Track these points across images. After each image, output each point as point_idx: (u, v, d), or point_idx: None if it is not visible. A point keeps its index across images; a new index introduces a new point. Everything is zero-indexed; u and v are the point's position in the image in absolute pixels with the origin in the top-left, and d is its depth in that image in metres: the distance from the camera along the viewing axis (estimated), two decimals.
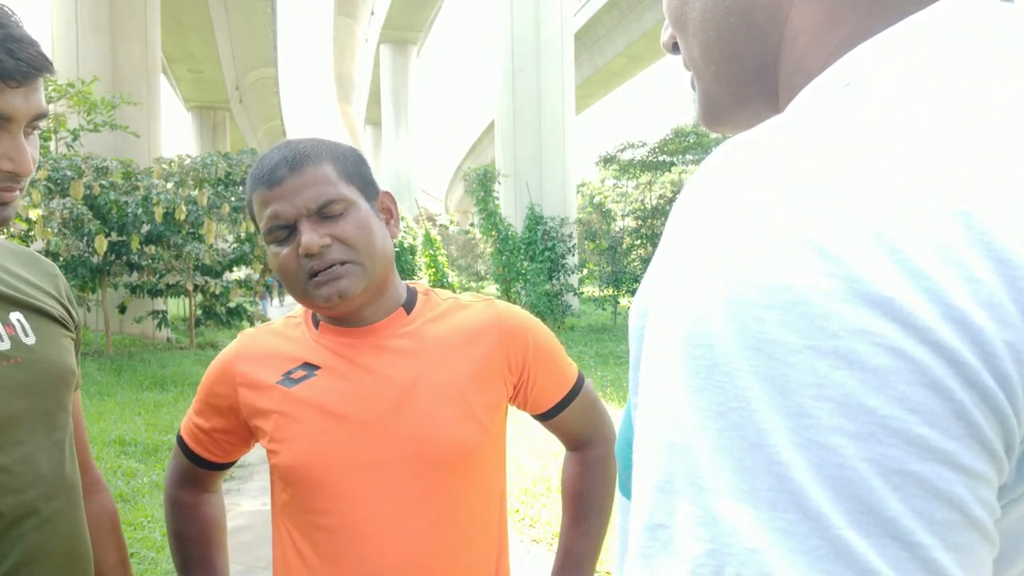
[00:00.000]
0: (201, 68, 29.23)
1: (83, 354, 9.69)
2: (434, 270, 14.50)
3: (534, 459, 4.77)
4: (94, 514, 1.07)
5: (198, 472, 1.11)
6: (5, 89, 0.79)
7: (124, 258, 10.02)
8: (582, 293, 16.46)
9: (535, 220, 12.78)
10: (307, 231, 0.92)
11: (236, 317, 11.60)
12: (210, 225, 10.09)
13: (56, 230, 9.13)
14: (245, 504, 4.28)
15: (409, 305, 1.05)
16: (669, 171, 14.89)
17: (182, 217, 9.62)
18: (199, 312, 11.60)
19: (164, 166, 10.47)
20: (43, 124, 0.88)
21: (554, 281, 12.66)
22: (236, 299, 11.75)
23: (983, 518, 0.28)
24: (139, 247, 9.86)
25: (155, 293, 10.63)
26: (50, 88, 9.20)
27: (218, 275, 11.06)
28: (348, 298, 0.94)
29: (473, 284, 22.21)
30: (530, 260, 12.69)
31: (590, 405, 1.14)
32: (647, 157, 14.38)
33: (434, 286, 1.06)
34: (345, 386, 0.97)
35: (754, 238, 0.30)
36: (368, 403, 0.96)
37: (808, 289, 0.28)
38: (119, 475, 4.65)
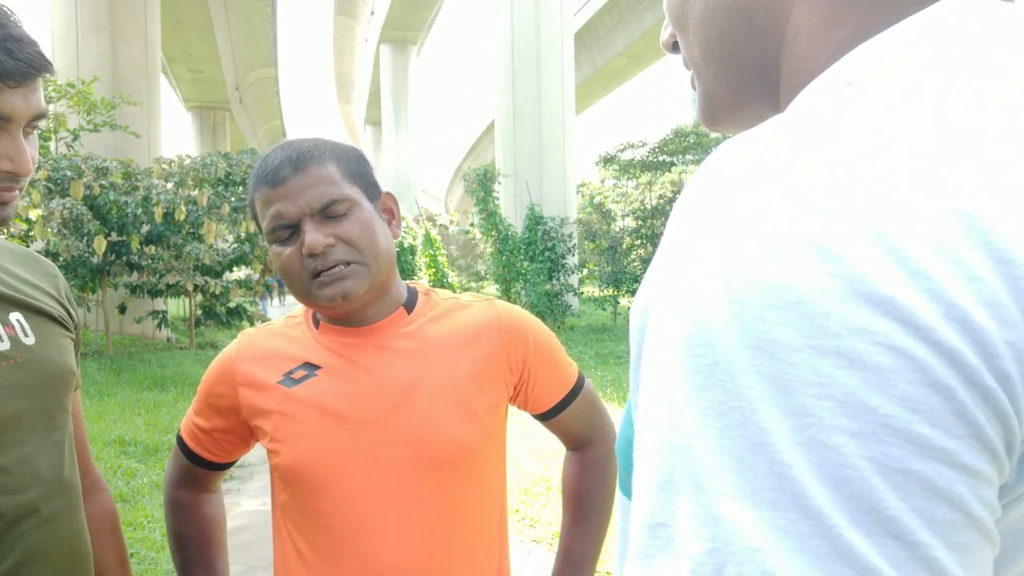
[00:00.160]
0: (201, 68, 29.23)
1: (83, 354, 9.69)
2: (434, 270, 14.50)
3: (534, 459, 4.77)
4: (94, 514, 1.07)
5: (198, 472, 1.11)
6: (4, 89, 0.79)
7: (124, 258, 10.02)
8: (582, 293, 16.46)
9: (535, 220, 12.78)
10: (310, 231, 0.92)
11: (236, 317, 11.61)
12: (210, 225, 10.09)
13: (56, 230, 9.14)
14: (245, 504, 4.28)
15: (410, 305, 1.05)
16: (669, 171, 14.89)
17: (182, 217, 9.62)
18: (199, 312, 11.60)
19: (164, 166, 10.47)
20: (43, 124, 0.88)
21: (554, 281, 12.66)
22: (236, 299, 11.75)
23: (984, 517, 0.28)
24: (139, 247, 9.86)
25: (155, 293, 10.63)
26: (50, 88, 9.20)
27: (218, 275, 11.06)
28: (351, 298, 0.94)
29: (473, 284, 22.20)
30: (530, 260, 12.69)
31: (590, 405, 1.14)
32: (647, 157, 14.37)
33: (434, 286, 1.06)
34: (345, 386, 0.97)
35: (755, 238, 0.30)
36: (368, 403, 0.96)
37: (809, 288, 0.28)
38: (119, 475, 4.65)
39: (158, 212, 9.39)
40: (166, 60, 26.42)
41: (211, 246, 10.46)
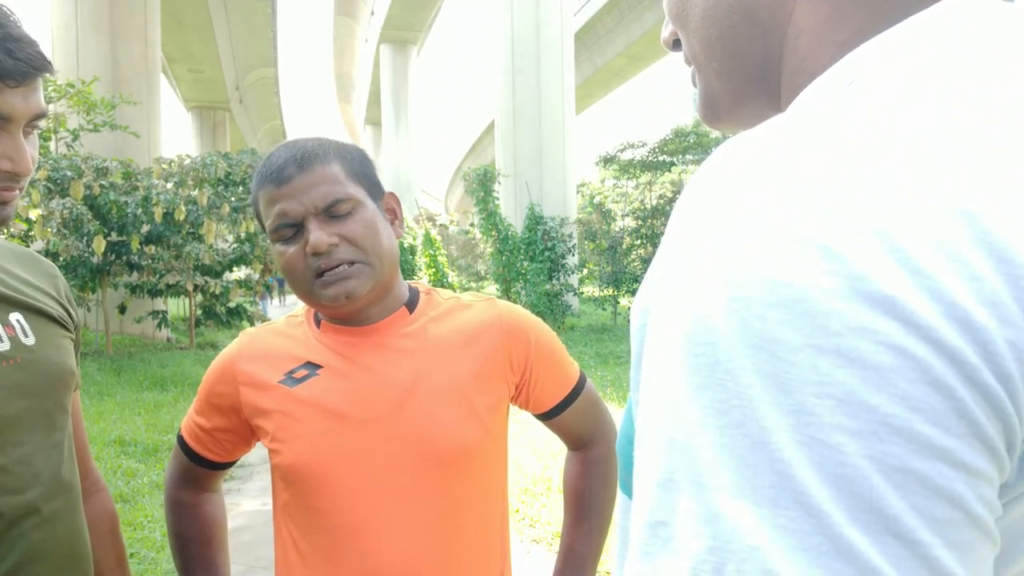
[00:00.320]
0: (201, 68, 29.23)
1: (83, 354, 9.69)
2: (434, 270, 14.50)
3: (534, 459, 4.77)
4: (93, 514, 1.07)
5: (199, 471, 1.11)
6: (4, 89, 0.79)
7: (124, 258, 10.02)
8: (582, 293, 16.46)
9: (535, 220, 12.78)
10: (315, 230, 0.92)
11: (236, 317, 11.61)
12: (210, 225, 10.09)
13: (56, 230, 9.13)
14: (245, 504, 4.28)
15: (412, 304, 1.05)
16: (669, 171, 14.89)
17: (182, 217, 9.62)
18: (199, 312, 11.60)
19: (164, 166, 10.47)
20: (43, 124, 0.88)
21: (554, 281, 12.66)
22: (236, 299, 11.76)
23: (984, 516, 0.28)
24: (139, 247, 9.86)
25: (155, 293, 10.63)
26: (50, 88, 9.20)
27: (218, 275, 11.06)
28: (355, 298, 0.94)
29: (473, 284, 22.21)
30: (530, 260, 12.69)
31: (592, 404, 1.14)
32: (647, 157, 14.37)
33: (434, 286, 1.06)
34: (347, 385, 0.97)
35: (756, 237, 0.30)
36: (370, 402, 0.96)
37: (810, 287, 0.29)
38: (119, 475, 4.65)
39: (158, 212, 9.39)
40: (166, 60, 26.42)
41: (211, 246, 10.46)
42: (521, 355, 1.04)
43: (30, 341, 0.91)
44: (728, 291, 0.30)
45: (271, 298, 24.33)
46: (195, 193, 10.07)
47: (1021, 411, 0.28)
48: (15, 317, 0.91)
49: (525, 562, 3.34)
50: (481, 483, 1.01)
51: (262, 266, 11.28)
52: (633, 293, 13.36)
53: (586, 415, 1.14)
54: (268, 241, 1.04)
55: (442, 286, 13.70)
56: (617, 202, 17.26)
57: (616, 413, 4.84)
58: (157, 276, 10.35)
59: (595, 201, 15.74)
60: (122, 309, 10.88)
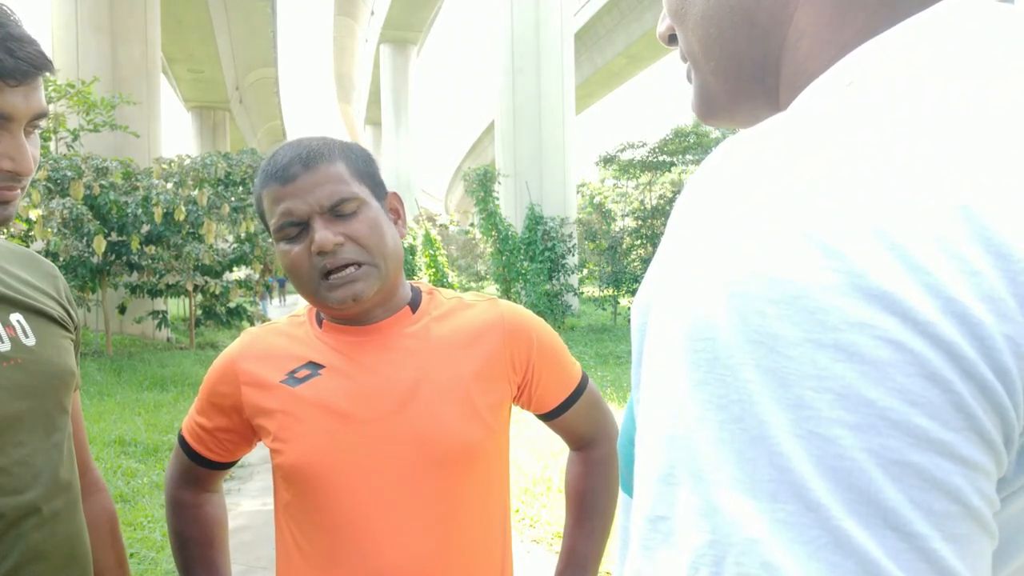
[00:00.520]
0: (201, 68, 29.22)
1: (83, 354, 9.68)
2: (434, 270, 14.50)
3: (534, 459, 4.77)
4: (93, 515, 1.07)
5: (200, 471, 1.10)
6: (5, 88, 0.79)
7: (124, 258, 10.02)
8: (582, 293, 16.47)
9: (535, 220, 12.79)
10: (320, 229, 0.92)
11: (236, 317, 11.61)
12: (210, 225, 10.09)
13: (56, 230, 9.13)
14: (245, 504, 4.28)
15: (414, 304, 1.05)
16: (669, 171, 14.89)
17: (182, 217, 9.62)
18: (199, 312, 11.61)
19: (164, 166, 10.47)
20: (43, 123, 0.88)
21: (554, 281, 12.66)
22: (236, 299, 11.75)
23: (982, 509, 0.28)
24: (139, 247, 9.86)
25: (155, 293, 10.63)
26: (50, 88, 9.19)
27: (218, 275, 11.06)
28: (362, 300, 0.94)
29: (473, 284, 22.21)
30: (530, 260, 12.69)
31: (594, 404, 1.14)
32: (647, 157, 14.37)
33: (435, 286, 1.06)
34: (349, 385, 0.97)
35: (756, 234, 0.31)
36: (372, 402, 0.96)
37: (809, 283, 0.29)
38: (119, 475, 4.65)
39: (158, 212, 9.39)
40: (166, 60, 26.41)
41: (211, 246, 10.46)
42: (523, 355, 1.04)
43: (30, 342, 0.91)
44: (728, 288, 0.30)
45: (271, 298, 24.32)
46: (195, 193, 10.07)
47: (1019, 405, 0.29)
48: (15, 318, 0.91)
49: (525, 562, 3.34)
50: (483, 483, 1.01)
51: (262, 266, 11.28)
52: (633, 293, 13.36)
53: (588, 415, 1.13)
54: (269, 241, 1.03)
55: (442, 286, 13.69)
56: (617, 202, 17.25)
57: (616, 413, 4.84)
58: (157, 276, 10.35)
59: (595, 201, 15.74)
60: (122, 309, 10.88)
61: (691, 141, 13.88)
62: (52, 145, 10.13)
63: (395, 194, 1.05)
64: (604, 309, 14.46)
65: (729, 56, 0.46)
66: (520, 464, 4.62)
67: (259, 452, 4.66)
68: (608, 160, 14.86)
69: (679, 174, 14.99)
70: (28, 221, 8.67)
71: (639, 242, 13.95)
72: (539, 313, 11.78)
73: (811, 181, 0.31)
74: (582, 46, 26.18)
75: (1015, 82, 0.33)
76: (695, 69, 0.50)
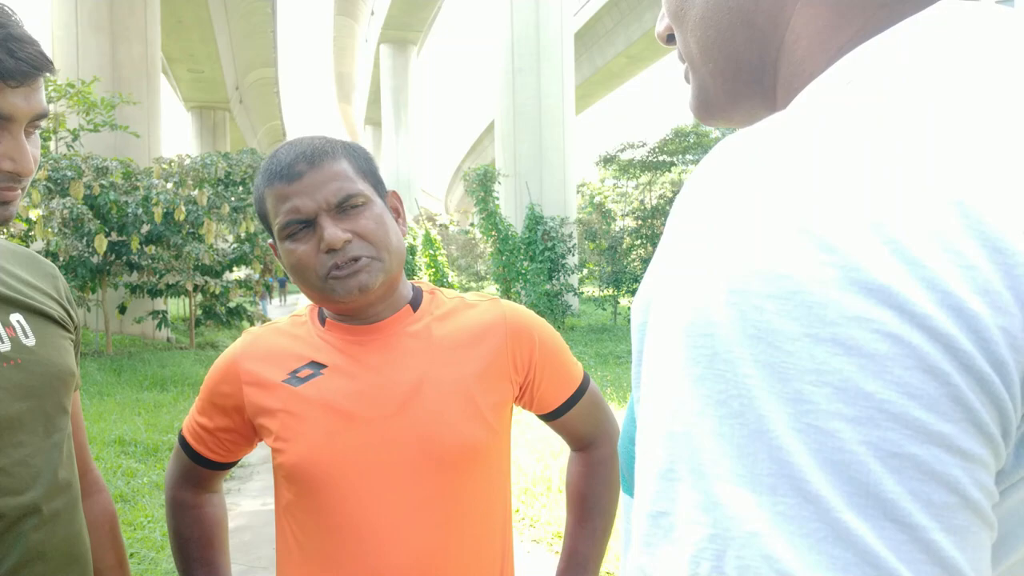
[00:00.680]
0: (201, 68, 29.22)
1: (83, 354, 9.68)
2: (434, 270, 14.51)
3: (534, 459, 4.77)
4: (93, 515, 1.07)
5: (200, 472, 1.10)
6: (5, 89, 0.79)
7: (124, 258, 10.02)
8: (582, 293, 16.46)
9: (535, 220, 12.79)
10: (329, 226, 0.92)
11: (236, 317, 11.61)
12: (210, 225, 10.09)
13: (56, 230, 9.13)
14: (245, 504, 4.27)
15: (415, 303, 1.05)
16: (669, 171, 14.90)
17: (182, 217, 9.62)
18: (199, 312, 11.60)
19: (164, 166, 10.47)
20: (44, 124, 0.88)
21: (554, 281, 12.66)
22: (236, 299, 11.75)
23: (981, 501, 0.28)
24: (139, 247, 9.86)
25: (155, 293, 10.63)
26: (50, 88, 9.19)
27: (218, 275, 11.06)
28: (368, 292, 0.94)
29: (473, 284, 22.21)
30: (530, 260, 12.69)
31: (595, 405, 1.14)
32: (647, 157, 14.38)
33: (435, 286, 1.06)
34: (352, 385, 0.97)
35: (753, 231, 0.31)
36: (375, 402, 0.96)
37: (807, 278, 0.29)
38: (119, 475, 4.65)
39: (158, 212, 9.39)
40: (166, 60, 26.41)
41: (211, 246, 10.46)
42: (525, 355, 1.04)
43: (30, 342, 0.91)
44: (726, 283, 0.31)
45: (271, 298, 24.31)
46: (195, 193, 10.07)
47: (1015, 397, 0.29)
48: (16, 318, 0.90)
49: (525, 562, 3.34)
50: (485, 483, 1.01)
51: (262, 266, 11.28)
52: (633, 293, 13.37)
53: (590, 416, 1.13)
54: (270, 240, 1.03)
55: (442, 286, 13.67)
56: (617, 202, 17.26)
57: (616, 413, 4.84)
58: (157, 276, 10.35)
59: (595, 201, 15.74)
60: (122, 309, 10.87)
61: (691, 141, 13.88)
62: (52, 145, 10.13)
63: (395, 193, 1.06)
64: (604, 309, 14.47)
65: (727, 57, 0.47)
66: (520, 464, 4.62)
67: (259, 452, 4.67)
68: (608, 160, 14.86)
69: (679, 174, 15.00)
70: (28, 221, 8.67)
71: (639, 242, 13.95)
72: (539, 313, 11.78)
73: (807, 178, 0.31)
74: (582, 46, 26.19)
75: (1009, 82, 0.34)
76: (693, 70, 0.51)
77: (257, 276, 11.62)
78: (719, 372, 0.30)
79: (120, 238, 9.81)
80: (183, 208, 9.60)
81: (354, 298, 0.94)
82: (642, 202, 14.98)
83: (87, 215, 9.18)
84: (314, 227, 0.94)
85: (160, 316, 11.01)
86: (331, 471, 0.95)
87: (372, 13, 40.33)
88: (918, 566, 0.27)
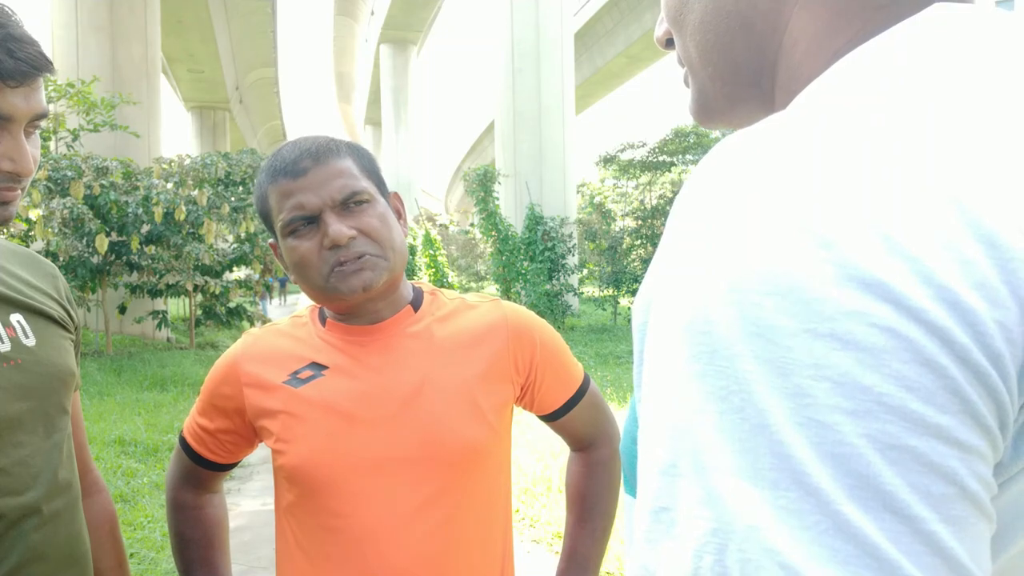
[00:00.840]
0: (201, 68, 29.21)
1: (83, 354, 9.68)
2: (434, 270, 14.50)
3: (534, 459, 4.77)
4: (93, 515, 1.06)
5: (201, 473, 1.10)
6: (5, 89, 0.79)
7: (124, 258, 10.02)
8: (582, 293, 16.45)
9: (535, 220, 12.78)
10: (334, 222, 0.92)
11: (236, 317, 11.60)
12: (210, 225, 10.09)
13: (56, 230, 9.13)
14: (245, 504, 4.27)
15: (416, 304, 1.05)
16: (669, 171, 14.89)
17: (182, 217, 9.62)
18: (199, 312, 11.60)
19: (164, 166, 10.46)
20: (44, 124, 0.88)
21: (554, 281, 12.66)
22: (236, 299, 11.75)
23: (979, 492, 0.29)
24: (139, 247, 9.86)
25: (155, 293, 10.63)
26: (50, 88, 9.19)
27: (218, 275, 11.05)
28: (371, 289, 0.94)
29: (473, 284, 22.21)
30: (530, 260, 12.69)
31: (596, 406, 1.14)
32: (647, 157, 14.37)
33: (435, 286, 1.06)
34: (353, 385, 0.97)
35: (751, 229, 0.32)
36: (377, 403, 0.96)
37: (805, 275, 0.30)
38: (119, 475, 4.65)
39: (158, 212, 9.39)
40: (166, 60, 26.40)
41: (211, 246, 10.46)
42: (527, 356, 1.04)
43: (31, 342, 0.91)
44: (725, 282, 0.31)
45: (271, 298, 24.30)
46: (195, 193, 10.07)
47: (1012, 390, 0.29)
48: (16, 318, 0.90)
49: (525, 562, 3.34)
50: (486, 484, 1.01)
51: (262, 266, 11.27)
52: (633, 293, 13.37)
53: (590, 416, 1.13)
54: (271, 240, 1.03)
55: (442, 286, 13.70)
56: (617, 202, 17.26)
57: (615, 413, 4.84)
58: (157, 276, 10.35)
59: (595, 201, 15.73)
60: (122, 309, 10.87)
61: (691, 141, 13.88)
62: (52, 145, 10.13)
63: (396, 194, 1.06)
64: (604, 309, 14.46)
65: (726, 61, 0.47)
66: (520, 464, 4.62)
67: (259, 452, 4.66)
68: (608, 160, 14.86)
69: (679, 174, 15.00)
70: (28, 221, 8.67)
71: (639, 242, 13.95)
72: (539, 313, 11.78)
73: (805, 178, 0.32)
74: (582, 46, 26.18)
75: (1005, 83, 0.34)
76: (692, 74, 0.51)
77: (257, 276, 11.61)
78: (719, 368, 0.31)
79: (120, 238, 9.81)
80: (183, 208, 9.60)
81: (358, 296, 0.94)
82: (642, 202, 14.97)
83: (87, 215, 9.18)
84: (318, 224, 0.94)
85: (160, 316, 11.01)
86: (332, 472, 0.95)
87: (372, 13, 40.32)
88: (918, 557, 0.27)
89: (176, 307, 15.42)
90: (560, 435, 1.17)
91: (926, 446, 0.28)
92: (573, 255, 13.32)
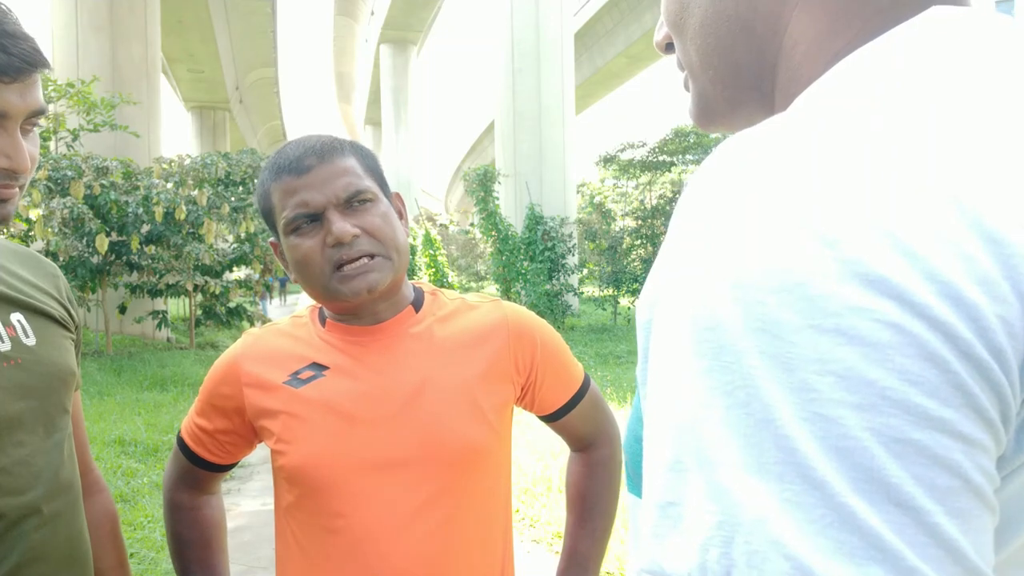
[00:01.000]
0: (201, 68, 29.22)
1: (83, 354, 9.65)
2: (434, 270, 14.51)
3: (534, 459, 4.76)
4: (93, 515, 1.06)
5: (199, 473, 1.10)
6: (0, 85, 0.78)
7: (124, 258, 10.02)
8: (582, 293, 16.45)
9: (535, 220, 12.78)
10: (337, 220, 0.92)
11: (236, 317, 11.60)
12: (210, 225, 10.09)
13: (56, 230, 9.13)
14: (245, 504, 4.27)
15: (417, 304, 1.04)
16: (669, 171, 14.90)
17: (182, 217, 9.62)
18: (199, 312, 11.60)
19: (164, 166, 10.47)
20: (42, 122, 0.87)
21: (554, 281, 12.66)
22: (236, 299, 11.75)
23: (982, 485, 0.29)
24: (139, 247, 9.86)
25: (155, 293, 10.63)
26: (50, 88, 9.19)
27: (218, 275, 11.05)
28: (376, 291, 0.94)
29: (473, 284, 22.21)
30: (530, 260, 12.69)
31: (596, 406, 1.14)
32: (647, 157, 14.38)
33: (435, 286, 1.06)
34: (354, 386, 0.97)
35: (755, 227, 0.32)
36: (377, 403, 0.96)
37: (809, 272, 0.30)
38: (119, 475, 4.65)
39: (158, 212, 9.39)
40: (166, 60, 26.40)
41: (211, 246, 10.46)
42: (527, 357, 1.04)
43: (31, 341, 0.90)
44: (730, 279, 0.32)
45: (271, 298, 24.29)
46: (195, 193, 10.07)
47: (1015, 384, 0.30)
48: (16, 317, 0.90)
49: (525, 562, 3.33)
50: (486, 485, 1.01)
51: (262, 266, 11.27)
52: (633, 293, 13.38)
53: (590, 417, 1.13)
54: (272, 239, 1.02)
55: (442, 286, 13.70)
56: (617, 202, 17.26)
57: (616, 413, 4.84)
58: (157, 276, 10.35)
59: (595, 201, 15.73)
60: (122, 309, 10.87)
61: (691, 141, 13.88)
62: (52, 145, 10.13)
63: (397, 194, 1.06)
64: (604, 309, 14.46)
65: (727, 64, 0.48)
66: (520, 464, 4.62)
67: (259, 452, 4.66)
68: (608, 160, 14.86)
69: (679, 174, 15.00)
70: (28, 221, 8.68)
71: (639, 242, 13.95)
72: (539, 313, 11.77)
73: (807, 177, 0.32)
74: (582, 46, 26.19)
75: (1002, 84, 0.35)
76: (693, 78, 0.51)
77: (257, 276, 11.61)
78: (725, 364, 0.31)
79: (120, 238, 9.81)
80: (183, 208, 9.60)
81: (361, 298, 0.94)
82: (642, 202, 14.97)
83: (87, 215, 9.18)
84: (321, 222, 0.93)
85: (160, 316, 11.01)
86: (333, 473, 0.94)
87: (372, 13, 40.32)
88: (923, 549, 0.27)
89: (176, 307, 15.42)
90: (560, 435, 1.16)
91: (930, 439, 0.28)
92: (573, 255, 13.32)
